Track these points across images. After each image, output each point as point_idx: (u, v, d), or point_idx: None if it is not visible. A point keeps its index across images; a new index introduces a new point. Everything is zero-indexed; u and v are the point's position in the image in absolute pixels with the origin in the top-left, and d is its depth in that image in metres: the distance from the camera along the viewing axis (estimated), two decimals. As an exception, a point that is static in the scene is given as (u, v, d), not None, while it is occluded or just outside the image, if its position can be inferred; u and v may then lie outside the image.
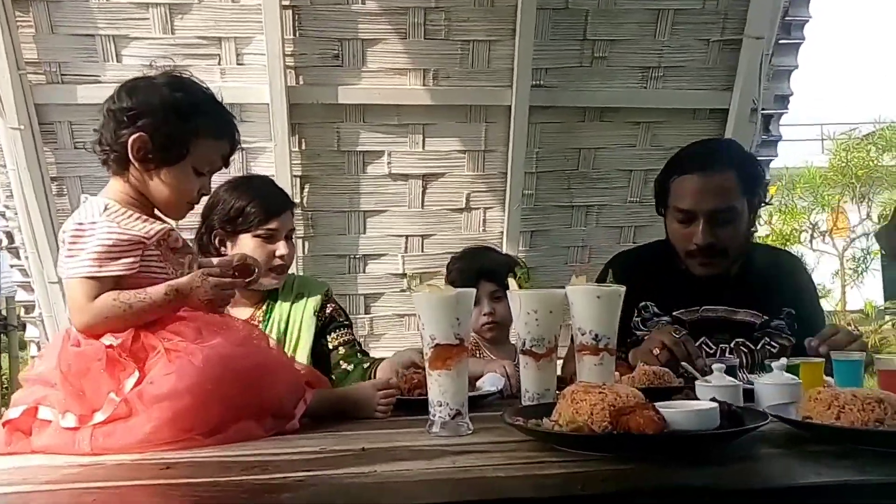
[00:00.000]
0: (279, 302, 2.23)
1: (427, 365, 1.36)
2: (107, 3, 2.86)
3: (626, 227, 3.48)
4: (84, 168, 3.00)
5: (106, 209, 1.47)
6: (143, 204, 1.54)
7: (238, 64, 2.99)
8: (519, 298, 1.53)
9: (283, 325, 2.19)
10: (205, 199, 2.05)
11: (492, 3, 2.99)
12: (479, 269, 2.34)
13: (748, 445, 1.21)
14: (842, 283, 7.23)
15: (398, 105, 3.13)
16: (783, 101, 3.40)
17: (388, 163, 3.22)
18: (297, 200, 3.21)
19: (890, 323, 9.75)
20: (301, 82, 3.04)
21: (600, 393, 1.28)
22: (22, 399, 1.40)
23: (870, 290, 8.99)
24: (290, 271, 2.30)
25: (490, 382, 1.86)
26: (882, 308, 9.66)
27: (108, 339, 1.39)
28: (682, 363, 1.72)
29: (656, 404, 1.20)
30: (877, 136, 7.44)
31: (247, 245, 2.14)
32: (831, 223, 7.61)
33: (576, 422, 1.22)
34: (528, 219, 3.41)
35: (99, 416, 1.32)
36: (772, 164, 3.76)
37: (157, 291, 1.44)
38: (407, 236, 3.39)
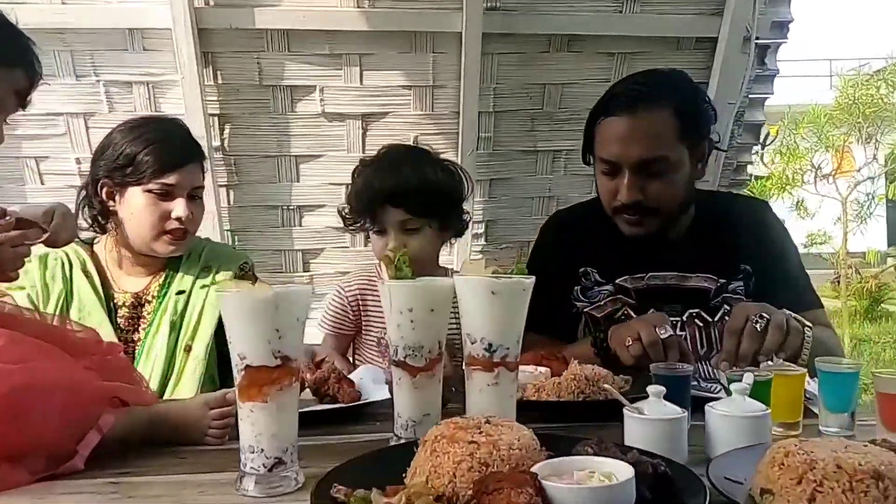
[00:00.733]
0: (181, 274, 1.84)
1: (237, 394, 0.97)
2: None
3: (598, 175, 3.06)
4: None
5: None
6: None
7: (133, -20, 2.55)
8: (388, 292, 1.12)
9: (180, 306, 1.79)
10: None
11: None
12: (387, 191, 1.80)
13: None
14: (844, 228, 6.79)
15: (328, 31, 2.68)
16: (781, 28, 2.95)
17: (321, 100, 2.81)
18: (216, 143, 2.82)
19: (892, 267, 9.35)
20: (210, 2, 2.58)
21: (471, 443, 0.89)
22: None
23: (873, 237, 8.56)
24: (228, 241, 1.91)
25: (370, 377, 1.46)
26: (885, 252, 9.25)
27: None
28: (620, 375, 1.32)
29: (546, 467, 0.81)
30: (888, 72, 6.89)
31: (136, 201, 1.74)
32: (836, 164, 7.15)
33: (424, 495, 0.83)
34: (487, 166, 3.02)
35: None
36: (774, 102, 3.32)
37: None
38: (347, 185, 2.95)
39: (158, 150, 1.72)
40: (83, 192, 1.82)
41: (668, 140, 1.66)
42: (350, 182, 1.96)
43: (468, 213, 1.98)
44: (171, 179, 1.72)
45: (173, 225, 1.75)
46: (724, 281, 1.77)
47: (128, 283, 1.82)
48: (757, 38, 2.82)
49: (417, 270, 1.86)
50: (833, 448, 0.84)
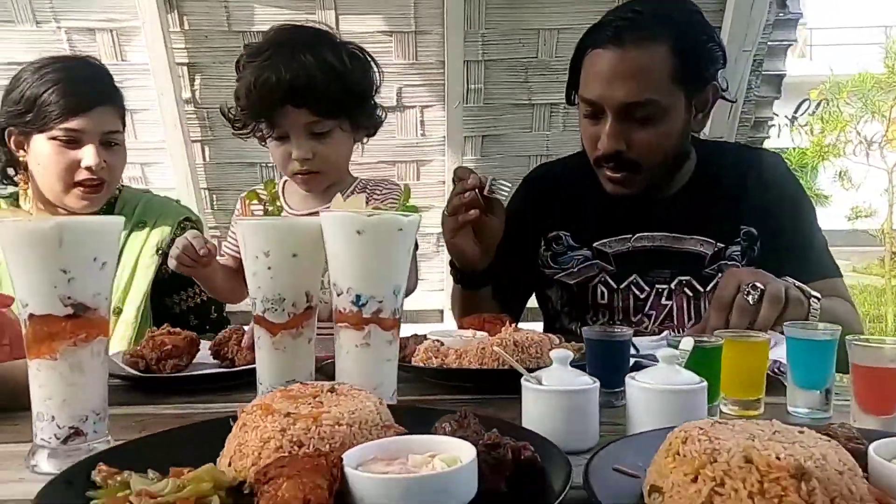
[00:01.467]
0: None
1: (27, 350, 0.78)
2: None
3: (599, 129, 2.80)
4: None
5: None
6: None
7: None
8: (242, 232, 0.92)
9: None
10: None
11: None
12: (287, 88, 1.43)
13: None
14: (890, 200, 6.33)
15: (298, -30, 2.48)
16: (806, -36, 2.62)
17: (295, 47, 2.58)
18: (186, 95, 2.66)
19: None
20: (172, -59, 2.40)
21: (287, 416, 0.70)
22: None
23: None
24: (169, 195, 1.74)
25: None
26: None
27: None
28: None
29: (373, 449, 0.62)
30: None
31: (41, 150, 1.59)
32: (892, 134, 6.64)
33: (205, 481, 0.64)
34: (477, 120, 2.80)
35: None
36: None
37: None
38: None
39: (61, 91, 1.56)
40: None
41: (661, 81, 1.40)
42: (236, 76, 1.54)
43: (381, 106, 1.63)
44: (76, 124, 1.56)
45: (83, 175, 1.59)
46: (722, 245, 1.52)
47: None
48: (775, -25, 2.53)
49: (329, 183, 1.60)
50: (751, 434, 0.62)
